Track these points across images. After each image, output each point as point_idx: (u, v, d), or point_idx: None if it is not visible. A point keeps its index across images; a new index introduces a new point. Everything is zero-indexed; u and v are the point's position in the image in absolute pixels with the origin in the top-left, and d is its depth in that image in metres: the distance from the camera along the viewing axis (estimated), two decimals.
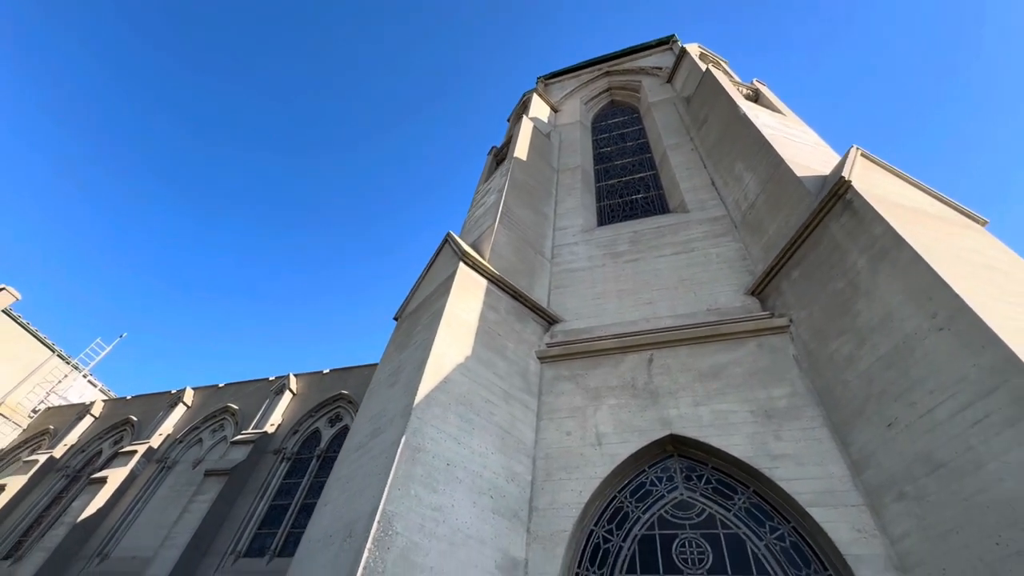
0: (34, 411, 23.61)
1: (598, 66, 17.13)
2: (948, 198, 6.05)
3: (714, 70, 10.87)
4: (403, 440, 4.53)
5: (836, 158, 7.70)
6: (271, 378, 20.03)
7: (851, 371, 4.82)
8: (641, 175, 11.12)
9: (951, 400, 3.84)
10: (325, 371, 19.33)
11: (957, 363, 3.88)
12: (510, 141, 11.87)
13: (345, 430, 16.69)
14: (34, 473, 19.26)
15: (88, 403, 22.35)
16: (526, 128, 11.69)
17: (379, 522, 3.95)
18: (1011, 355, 3.51)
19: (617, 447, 5.36)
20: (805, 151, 7.68)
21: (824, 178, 6.57)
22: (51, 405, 23.91)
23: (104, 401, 22.44)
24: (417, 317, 6.70)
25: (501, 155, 12.19)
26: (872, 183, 5.81)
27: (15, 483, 18.66)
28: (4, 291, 23.81)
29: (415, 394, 4.98)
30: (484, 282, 6.82)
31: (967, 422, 3.68)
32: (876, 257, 4.94)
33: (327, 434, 16.84)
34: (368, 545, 3.80)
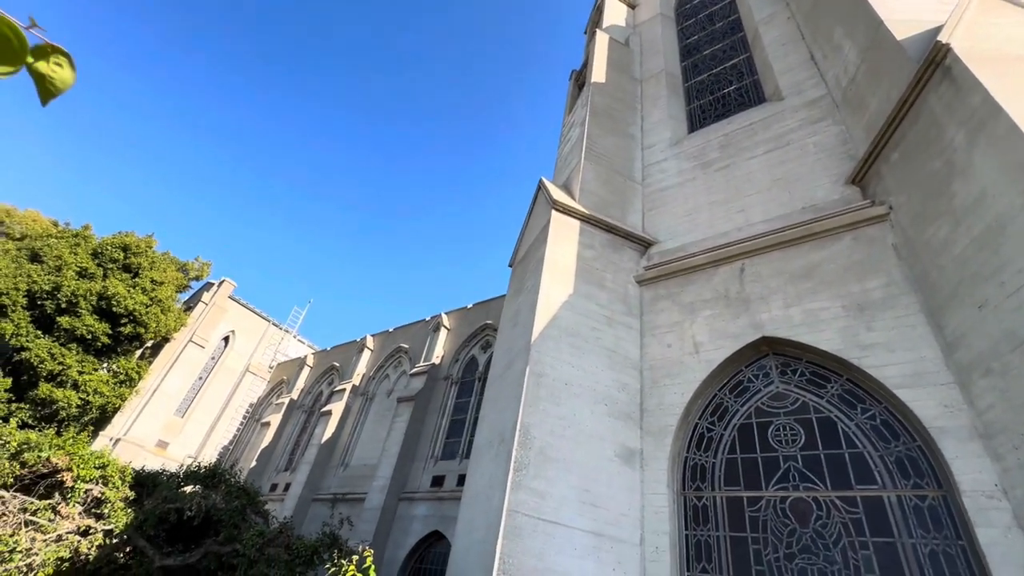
0: (270, 367, 30.92)
1: None
2: None
3: None
4: (528, 370, 5.85)
5: None
6: (427, 318, 23.44)
7: (946, 255, 4.78)
8: (733, 61, 10.31)
9: None
10: (469, 306, 22.00)
11: None
12: (588, 61, 11.72)
13: None
14: (284, 412, 25.78)
15: (303, 357, 28.57)
16: (601, 44, 11.38)
17: (519, 431, 5.39)
18: None
19: (712, 353, 6.08)
20: None
21: (934, 30, 5.81)
22: (279, 362, 31.03)
23: (313, 354, 28.46)
24: (526, 265, 7.81)
25: (581, 78, 12.10)
26: (984, 35, 5.12)
27: (274, 420, 25.25)
28: (225, 282, 30.70)
29: (532, 332, 6.21)
30: (577, 223, 7.59)
31: None
32: (973, 131, 4.61)
33: (482, 359, 19.65)
34: (515, 447, 5.27)
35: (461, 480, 15.64)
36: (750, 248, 6.57)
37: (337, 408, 22.36)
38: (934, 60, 5.14)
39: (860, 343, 5.16)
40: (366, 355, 24.72)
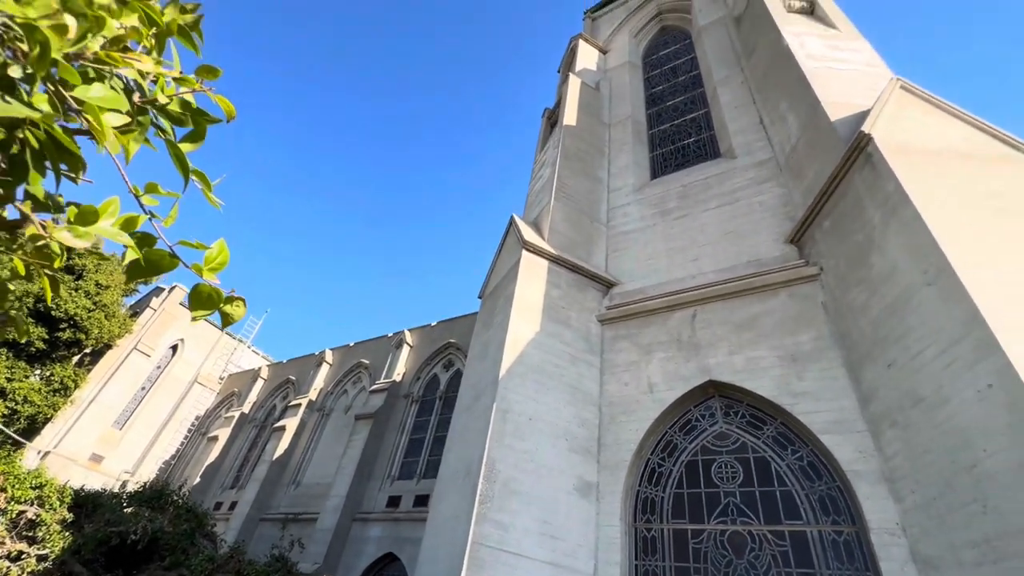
0: (220, 378, 29.77)
1: None
2: (994, 128, 5.95)
3: None
4: (495, 405, 6.19)
5: (886, 80, 7.50)
6: (389, 334, 23.34)
7: (864, 317, 5.50)
8: (693, 115, 11.19)
9: (932, 346, 4.54)
10: (433, 323, 22.09)
11: (938, 315, 4.52)
12: (560, 102, 12.37)
13: (458, 374, 19.45)
14: (233, 426, 24.88)
15: (257, 369, 27.71)
16: (573, 88, 12.07)
17: (485, 464, 5.70)
18: (975, 310, 4.14)
19: (665, 393, 6.61)
20: (850, 82, 7.56)
21: (862, 115, 6.67)
22: (231, 373, 29.93)
23: (268, 366, 27.66)
24: (495, 299, 8.19)
25: (554, 117, 12.75)
26: (901, 126, 5.97)
27: (223, 434, 24.33)
28: (176, 288, 29.51)
29: (500, 368, 6.57)
30: (545, 263, 8.05)
31: (941, 365, 4.41)
32: (888, 213, 5.38)
33: (444, 378, 19.75)
34: (480, 480, 5.58)
35: (418, 501, 15.63)
36: (701, 296, 7.21)
37: (291, 423, 21.82)
38: (859, 146, 5.94)
39: (792, 391, 5.81)
40: (324, 369, 24.29)
